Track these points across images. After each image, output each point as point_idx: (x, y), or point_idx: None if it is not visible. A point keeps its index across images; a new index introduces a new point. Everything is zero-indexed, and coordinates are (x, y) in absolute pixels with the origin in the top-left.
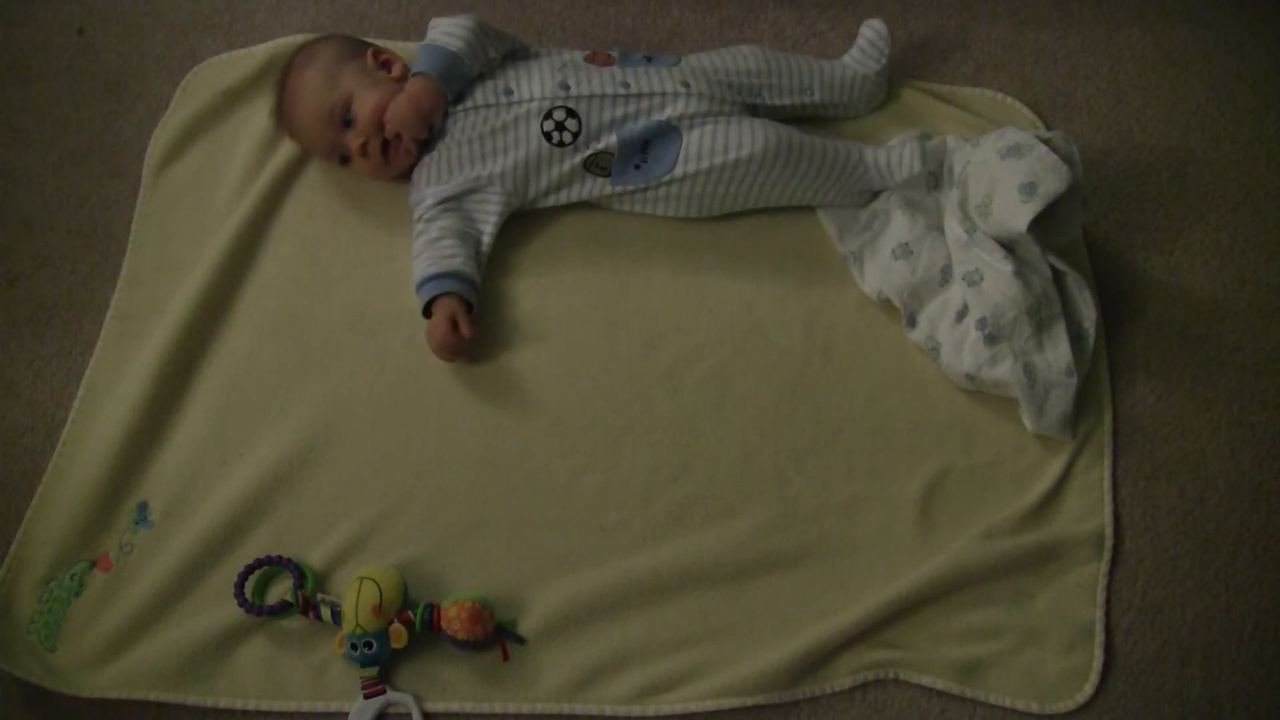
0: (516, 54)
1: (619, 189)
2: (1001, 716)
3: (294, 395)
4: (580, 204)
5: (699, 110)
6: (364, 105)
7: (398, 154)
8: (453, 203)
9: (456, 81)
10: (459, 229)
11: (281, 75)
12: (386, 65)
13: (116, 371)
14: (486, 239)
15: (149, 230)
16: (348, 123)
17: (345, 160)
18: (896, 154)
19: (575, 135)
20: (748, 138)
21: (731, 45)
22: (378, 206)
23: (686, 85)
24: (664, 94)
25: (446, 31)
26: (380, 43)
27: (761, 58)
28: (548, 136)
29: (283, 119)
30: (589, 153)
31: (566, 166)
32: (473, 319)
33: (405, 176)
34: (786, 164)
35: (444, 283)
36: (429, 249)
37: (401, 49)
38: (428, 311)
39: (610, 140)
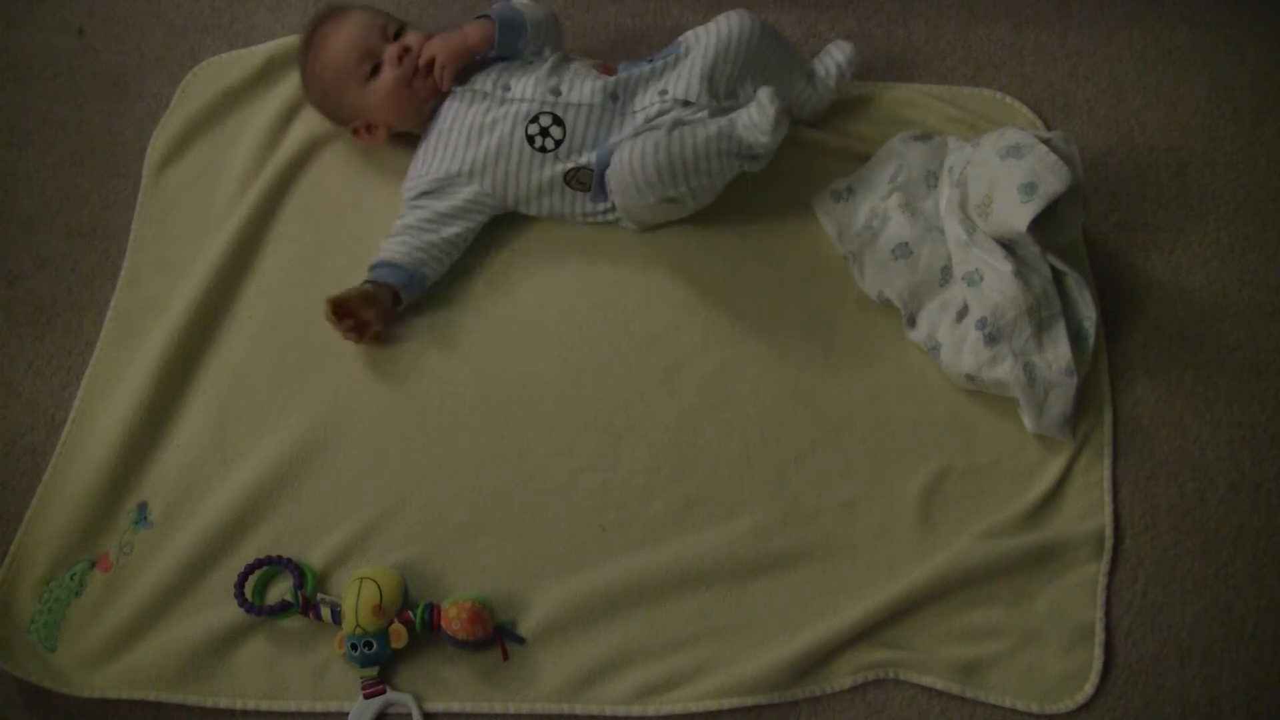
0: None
1: (601, 206)
2: (1001, 716)
3: (294, 395)
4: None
5: (663, 119)
6: (416, 32)
7: (423, 84)
8: (427, 198)
9: (510, 40)
10: (418, 224)
11: (329, 6)
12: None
13: (116, 371)
14: (451, 227)
15: (149, 230)
16: (396, 36)
17: (375, 72)
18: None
19: (558, 143)
20: (625, 152)
21: (729, 13)
22: (378, 207)
23: (664, 93)
24: (645, 108)
25: (525, 3)
26: None
27: (748, 43)
28: (530, 140)
29: (320, 31)
30: (570, 165)
31: (546, 175)
32: (342, 301)
33: (401, 144)
34: (659, 174)
35: (374, 272)
36: (386, 240)
37: None
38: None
39: (591, 157)
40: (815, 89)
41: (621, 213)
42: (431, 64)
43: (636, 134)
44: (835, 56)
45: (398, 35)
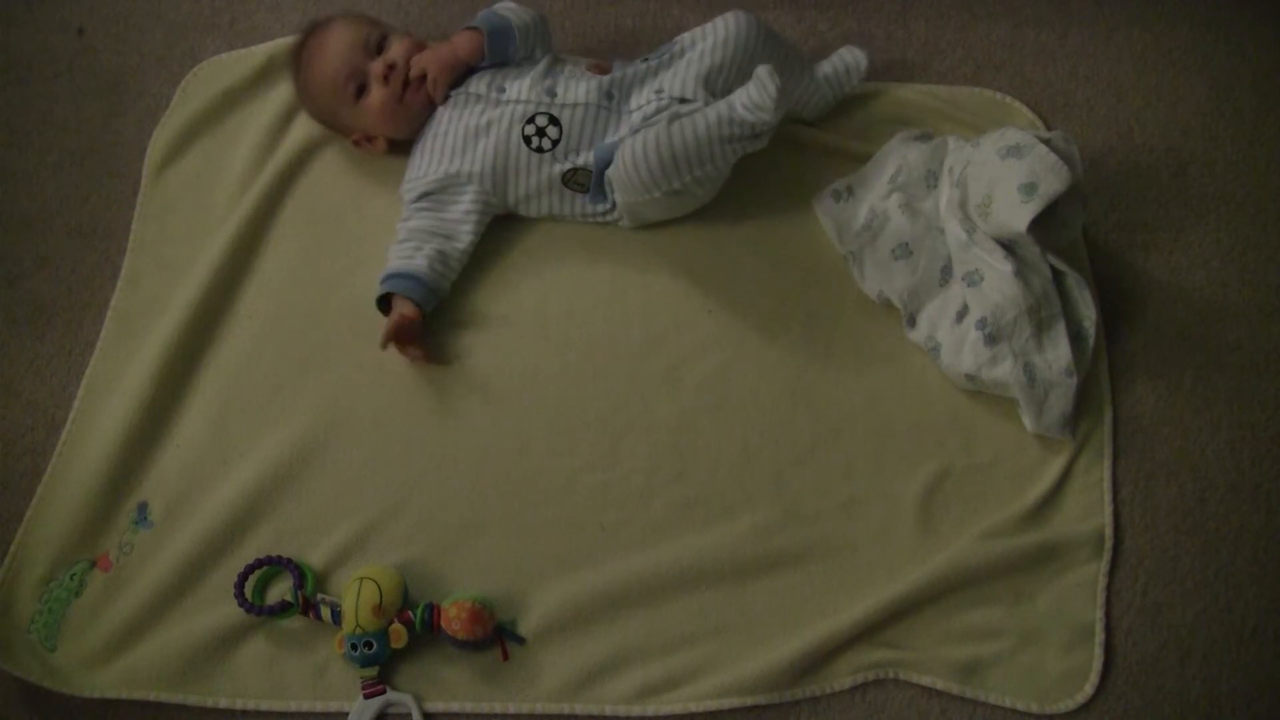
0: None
1: (600, 207)
2: (1001, 716)
3: (294, 395)
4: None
5: (660, 116)
6: (400, 43)
7: (415, 97)
8: (430, 200)
9: (500, 49)
10: (430, 228)
11: (311, 24)
12: (421, 47)
13: (116, 371)
14: (465, 237)
15: (149, 230)
16: (380, 50)
17: (361, 92)
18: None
19: (555, 143)
20: (627, 147)
21: (728, 13)
22: (378, 207)
23: (660, 92)
24: (641, 107)
25: (510, 8)
26: None
27: (745, 43)
28: (527, 141)
29: (306, 50)
30: (568, 166)
31: (544, 176)
32: (401, 322)
33: (403, 150)
34: (658, 167)
35: (391, 282)
36: (394, 249)
37: None
38: (384, 308)
39: (589, 157)
40: (818, 88)
41: (623, 211)
42: (423, 77)
43: (635, 132)
44: (845, 59)
45: (381, 46)
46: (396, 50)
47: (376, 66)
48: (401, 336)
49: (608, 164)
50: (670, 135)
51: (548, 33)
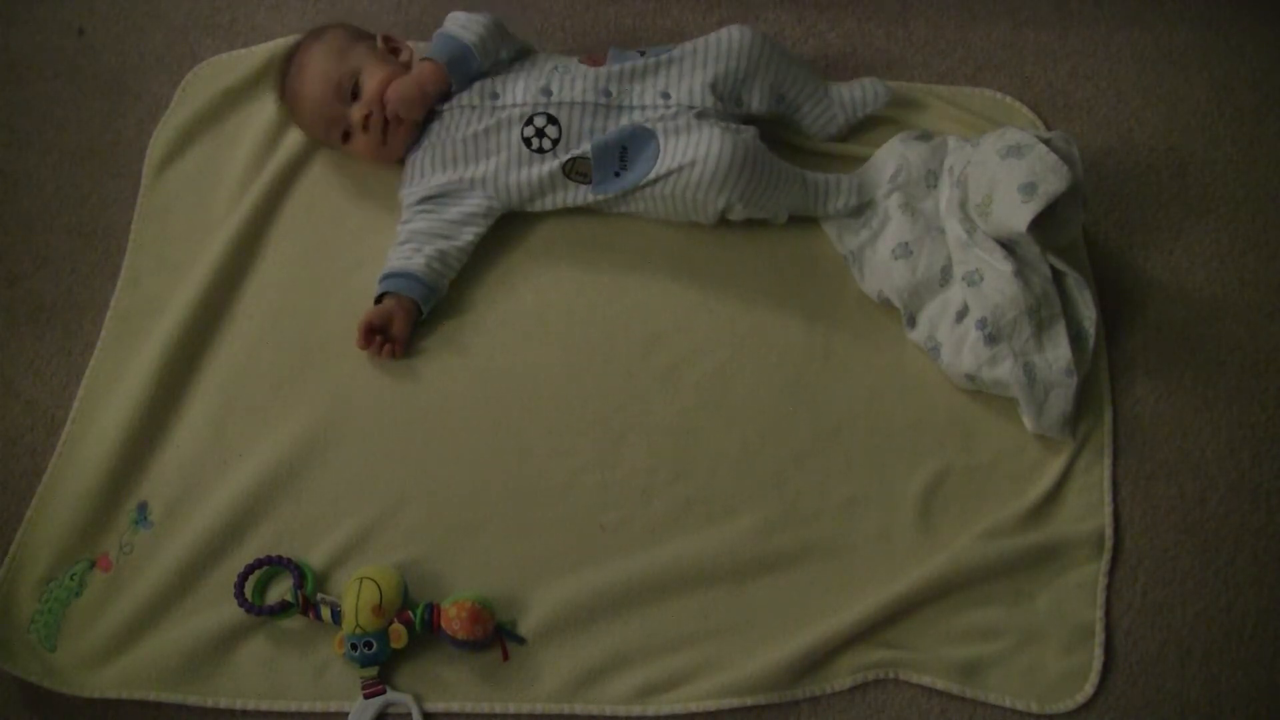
0: (521, 56)
1: (601, 196)
2: (1001, 716)
3: (294, 395)
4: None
5: (677, 120)
6: (372, 78)
7: (397, 133)
8: (431, 203)
9: (462, 73)
10: (431, 230)
11: (288, 53)
12: (395, 50)
13: (116, 371)
14: (465, 238)
15: (149, 230)
16: (355, 95)
17: (347, 136)
18: (834, 183)
19: (555, 142)
20: (715, 145)
21: (728, 25)
22: (378, 207)
23: (666, 96)
24: (644, 106)
25: (462, 25)
26: None
27: (750, 52)
28: (527, 143)
29: (287, 94)
30: (567, 157)
31: (546, 171)
32: (377, 321)
33: (401, 165)
34: (750, 172)
35: (389, 282)
36: (394, 250)
37: None
38: None
39: (586, 146)
40: (829, 106)
41: (656, 193)
42: (398, 116)
43: (636, 126)
44: (866, 87)
45: (355, 90)
46: (370, 90)
47: (356, 115)
48: (379, 326)
49: (607, 152)
50: (765, 154)
51: (507, 31)
